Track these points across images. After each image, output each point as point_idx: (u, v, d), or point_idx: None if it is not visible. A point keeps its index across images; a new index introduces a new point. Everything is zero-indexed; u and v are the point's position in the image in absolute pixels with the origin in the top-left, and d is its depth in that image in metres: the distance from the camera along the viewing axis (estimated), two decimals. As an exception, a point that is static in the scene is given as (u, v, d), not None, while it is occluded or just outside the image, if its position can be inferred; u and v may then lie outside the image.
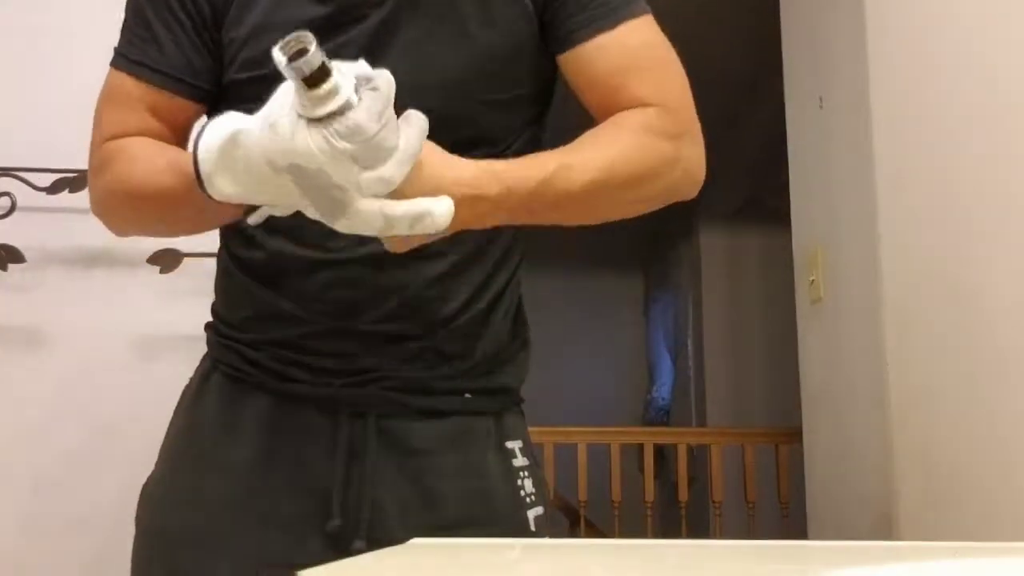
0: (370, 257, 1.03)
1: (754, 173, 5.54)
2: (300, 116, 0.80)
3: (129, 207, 1.06)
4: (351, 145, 0.80)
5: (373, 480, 1.05)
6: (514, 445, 1.13)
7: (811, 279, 2.64)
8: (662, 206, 1.07)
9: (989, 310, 1.84)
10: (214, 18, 1.06)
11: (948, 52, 1.99)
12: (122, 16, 2.02)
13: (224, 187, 0.87)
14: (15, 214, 1.87)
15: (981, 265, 1.86)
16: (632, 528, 4.28)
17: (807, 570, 0.70)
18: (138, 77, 1.06)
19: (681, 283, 6.88)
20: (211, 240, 1.85)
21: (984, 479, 1.83)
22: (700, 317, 6.36)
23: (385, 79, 0.83)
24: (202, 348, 1.92)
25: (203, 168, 0.87)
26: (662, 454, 4.91)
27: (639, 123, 1.03)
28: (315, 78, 0.78)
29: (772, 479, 4.19)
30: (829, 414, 2.57)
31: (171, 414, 1.88)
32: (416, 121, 0.85)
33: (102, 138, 1.08)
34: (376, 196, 0.83)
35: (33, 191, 1.87)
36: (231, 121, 0.87)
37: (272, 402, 1.07)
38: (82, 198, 1.90)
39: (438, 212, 0.85)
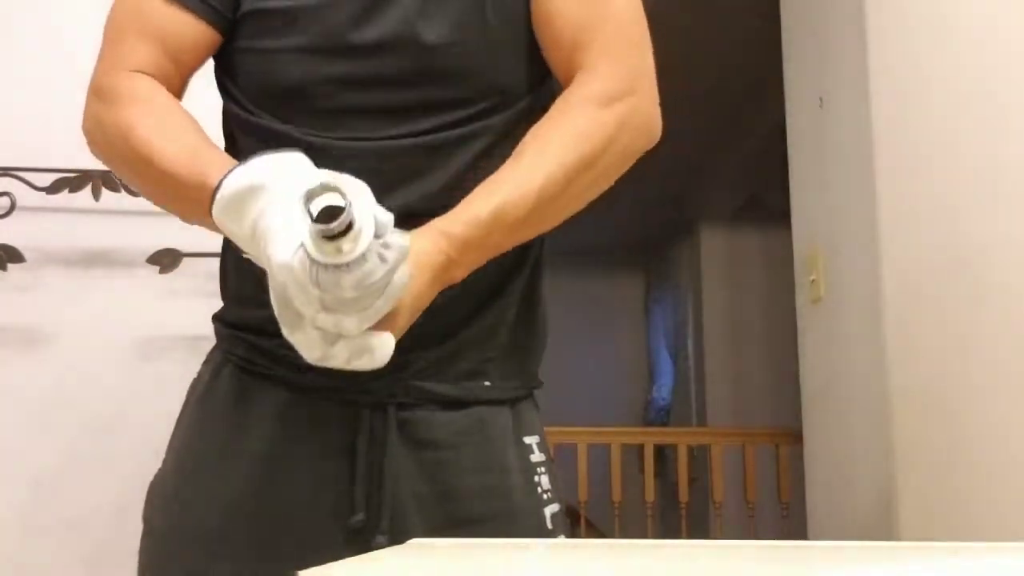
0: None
1: (754, 173, 5.54)
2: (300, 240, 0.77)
3: (126, 158, 1.03)
4: (323, 293, 0.78)
5: (393, 473, 1.03)
6: (531, 440, 1.11)
7: (811, 278, 2.64)
8: (627, 167, 1.05)
9: (990, 309, 1.83)
10: None
11: (948, 51, 1.99)
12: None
13: (224, 221, 0.87)
14: (15, 214, 1.87)
15: (981, 264, 1.86)
16: (632, 528, 4.28)
17: (808, 571, 0.70)
18: (194, 12, 1.04)
19: (681, 283, 6.88)
20: (211, 240, 1.86)
21: (984, 479, 1.83)
22: (700, 317, 6.36)
23: (397, 249, 0.80)
24: (201, 347, 1.92)
25: (223, 191, 0.86)
26: (662, 454, 4.91)
27: (581, 97, 1.02)
28: (336, 234, 0.75)
29: (772, 479, 4.19)
30: (829, 414, 2.57)
31: (170, 413, 1.88)
32: (394, 291, 0.83)
33: (120, 63, 1.05)
34: (323, 331, 0.82)
35: (33, 191, 1.87)
36: (272, 172, 0.85)
37: (288, 395, 1.05)
38: (82, 198, 1.91)
39: (379, 350, 0.83)
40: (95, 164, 1.88)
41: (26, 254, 1.86)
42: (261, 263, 0.85)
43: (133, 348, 1.92)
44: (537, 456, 1.11)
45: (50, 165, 1.88)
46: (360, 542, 1.00)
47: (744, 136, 5.37)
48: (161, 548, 1.09)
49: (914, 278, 2.11)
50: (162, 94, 1.03)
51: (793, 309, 2.81)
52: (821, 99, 2.60)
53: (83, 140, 1.95)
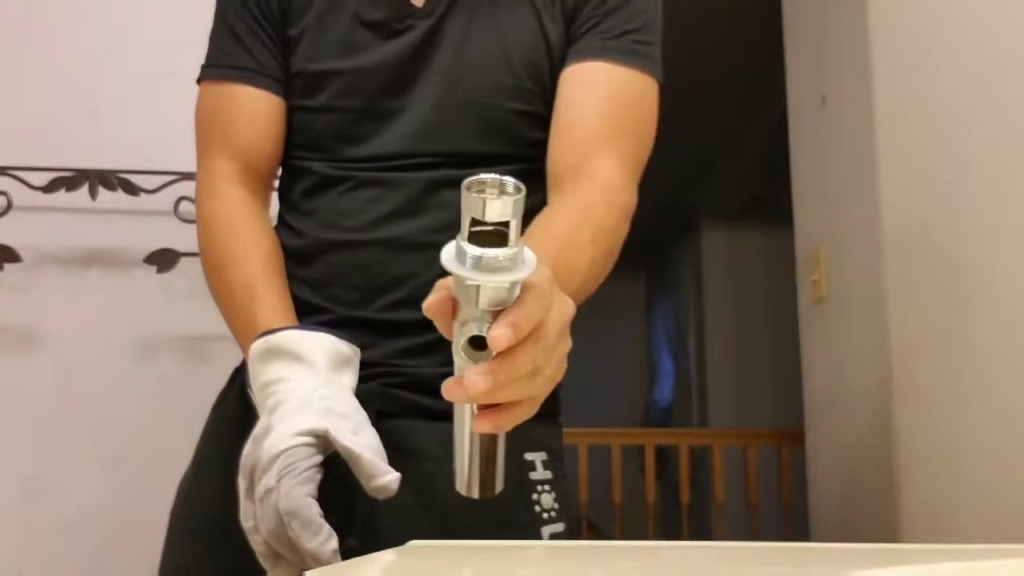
0: (384, 241, 1.08)
1: (756, 172, 5.54)
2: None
3: (207, 272, 1.13)
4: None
5: None
6: (535, 457, 1.10)
7: (814, 278, 2.63)
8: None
9: (992, 309, 1.83)
10: (283, 17, 1.15)
11: (951, 50, 1.98)
12: (117, 17, 2.03)
13: (254, 362, 0.97)
14: (11, 213, 1.86)
15: (985, 264, 1.85)
16: (633, 530, 4.27)
17: (810, 573, 0.69)
18: (255, 85, 1.14)
19: (683, 283, 6.88)
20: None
21: (987, 480, 1.82)
22: (702, 317, 6.36)
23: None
24: (198, 347, 1.93)
25: (261, 344, 0.97)
26: (663, 455, 4.90)
27: (602, 201, 1.06)
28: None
29: (774, 480, 4.18)
30: (832, 414, 2.56)
31: (168, 413, 1.89)
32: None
33: (209, 179, 1.13)
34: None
35: (29, 190, 1.86)
36: (303, 346, 0.95)
37: None
38: (78, 197, 1.90)
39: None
40: (92, 163, 1.89)
41: (22, 254, 1.85)
42: (258, 409, 0.96)
43: (130, 348, 1.92)
44: (540, 474, 1.10)
45: (46, 164, 1.87)
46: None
47: (746, 135, 5.37)
48: (171, 538, 1.15)
49: (917, 277, 2.10)
50: (239, 208, 1.11)
51: (795, 309, 2.80)
52: (823, 98, 2.60)
53: (79, 139, 1.97)
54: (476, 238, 0.61)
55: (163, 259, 1.87)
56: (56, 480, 1.87)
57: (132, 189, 1.89)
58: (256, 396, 0.97)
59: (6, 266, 1.85)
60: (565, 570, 0.71)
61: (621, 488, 4.12)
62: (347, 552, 1.00)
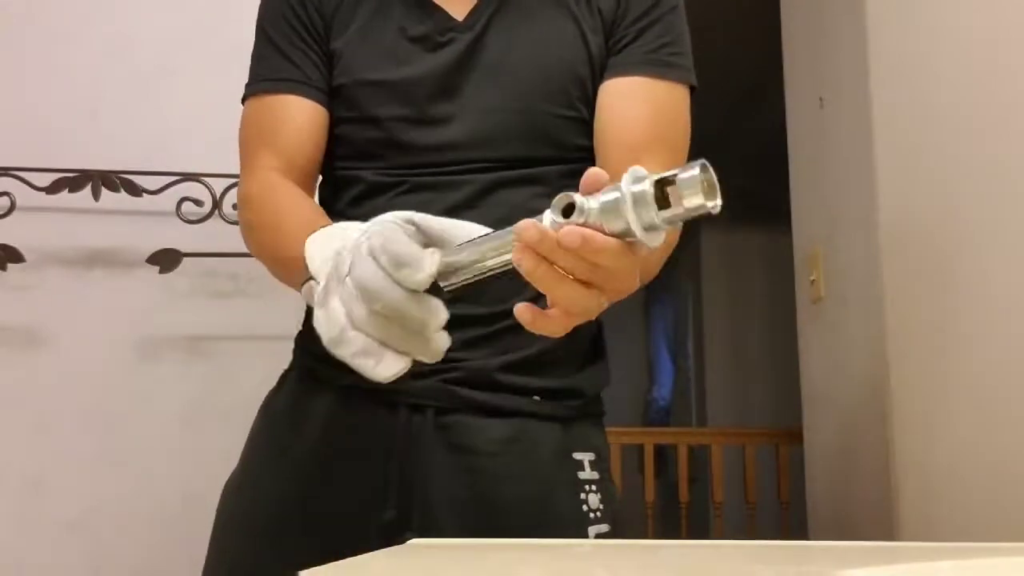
0: None
1: (754, 172, 5.55)
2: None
3: (254, 233, 1.12)
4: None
5: (427, 474, 1.06)
6: (583, 457, 1.12)
7: (811, 278, 2.64)
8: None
9: (990, 310, 1.83)
10: (326, 32, 1.16)
11: (949, 51, 1.99)
12: (119, 18, 2.03)
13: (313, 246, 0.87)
14: (14, 214, 1.86)
15: (981, 264, 1.86)
16: (632, 528, 4.27)
17: (808, 571, 0.70)
18: (300, 94, 1.14)
19: (681, 282, 6.88)
20: (210, 241, 1.86)
21: (984, 479, 1.83)
22: (700, 317, 6.36)
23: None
24: (200, 347, 1.94)
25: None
26: (662, 454, 4.91)
27: None
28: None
29: (772, 479, 4.19)
30: (830, 414, 2.57)
31: (170, 413, 1.89)
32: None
33: (252, 173, 1.13)
34: (348, 313, 0.79)
35: (32, 191, 1.86)
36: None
37: (336, 398, 1.10)
38: (81, 198, 1.91)
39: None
40: (95, 163, 1.90)
41: (26, 254, 1.86)
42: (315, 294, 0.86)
43: (133, 348, 1.92)
44: (588, 474, 1.12)
45: (49, 165, 1.88)
46: (392, 540, 1.03)
47: (744, 136, 5.38)
48: (218, 537, 1.15)
49: (914, 277, 2.11)
50: (285, 184, 1.11)
51: (793, 309, 2.81)
52: (821, 99, 2.60)
53: (82, 139, 1.97)
54: (659, 188, 0.67)
55: (165, 259, 1.88)
56: (57, 480, 1.87)
57: (135, 190, 1.89)
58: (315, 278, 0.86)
59: (9, 266, 1.85)
60: (564, 568, 0.71)
61: (620, 487, 4.12)
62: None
